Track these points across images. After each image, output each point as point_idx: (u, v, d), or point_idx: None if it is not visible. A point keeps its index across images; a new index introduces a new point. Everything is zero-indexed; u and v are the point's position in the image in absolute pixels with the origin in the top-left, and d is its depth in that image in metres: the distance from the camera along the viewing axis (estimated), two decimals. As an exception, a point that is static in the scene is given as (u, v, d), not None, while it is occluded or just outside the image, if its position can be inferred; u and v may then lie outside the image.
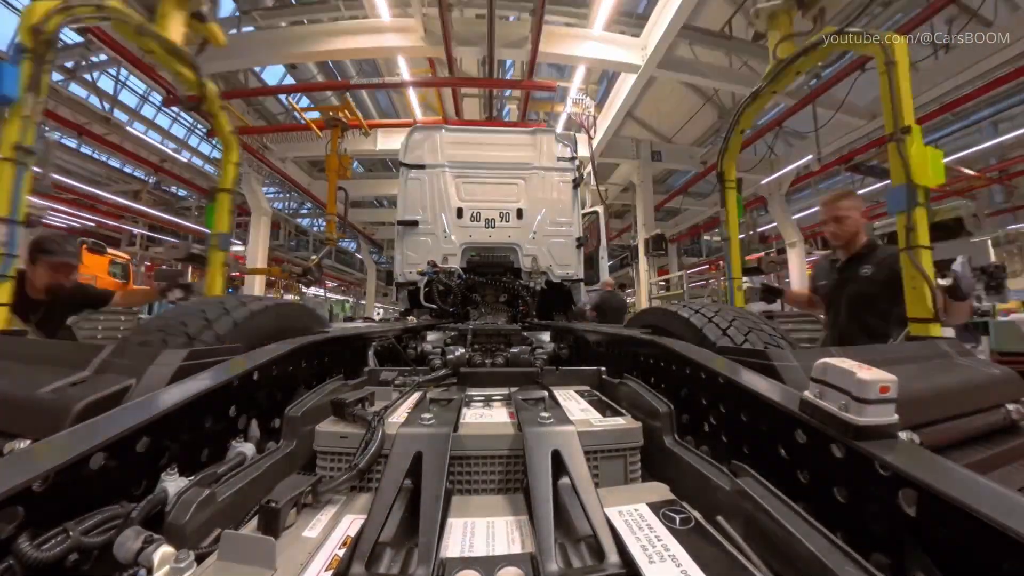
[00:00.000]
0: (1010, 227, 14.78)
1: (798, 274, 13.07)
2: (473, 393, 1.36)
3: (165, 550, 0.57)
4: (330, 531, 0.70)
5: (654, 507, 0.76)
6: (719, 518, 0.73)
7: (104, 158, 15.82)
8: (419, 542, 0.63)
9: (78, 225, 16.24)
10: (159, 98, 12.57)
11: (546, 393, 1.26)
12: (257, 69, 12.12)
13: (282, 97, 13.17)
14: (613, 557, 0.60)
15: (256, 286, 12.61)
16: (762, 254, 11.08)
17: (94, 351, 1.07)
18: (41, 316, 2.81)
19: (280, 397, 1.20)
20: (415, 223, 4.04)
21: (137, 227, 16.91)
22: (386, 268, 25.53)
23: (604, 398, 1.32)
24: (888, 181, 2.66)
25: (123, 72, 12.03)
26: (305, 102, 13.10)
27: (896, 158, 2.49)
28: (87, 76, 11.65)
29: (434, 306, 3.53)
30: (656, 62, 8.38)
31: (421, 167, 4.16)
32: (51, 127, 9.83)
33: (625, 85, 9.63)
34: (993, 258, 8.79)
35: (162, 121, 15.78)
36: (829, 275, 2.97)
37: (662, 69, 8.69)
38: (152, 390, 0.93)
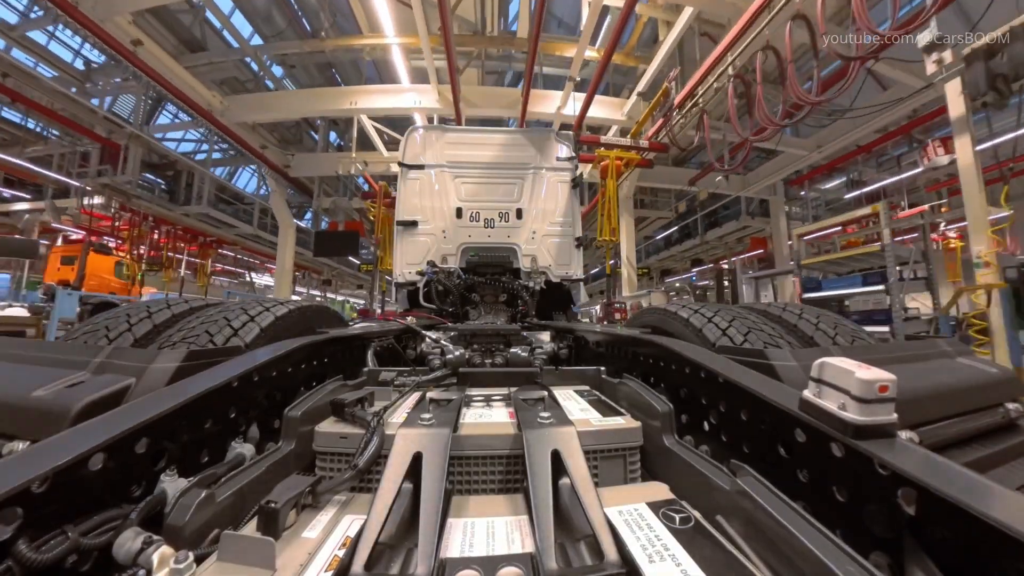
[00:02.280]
0: None
1: None
2: (473, 393, 1.36)
3: (164, 551, 0.57)
4: (330, 531, 0.70)
5: (654, 507, 0.76)
6: (719, 517, 0.73)
7: None
8: (419, 542, 0.62)
9: None
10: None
11: (546, 393, 1.26)
12: None
13: None
14: (613, 556, 0.60)
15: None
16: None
17: (93, 351, 1.07)
18: None
19: (280, 397, 1.20)
20: (414, 223, 4.04)
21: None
22: (317, 231, 15.39)
23: (604, 398, 1.32)
24: None
25: None
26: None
27: None
28: None
29: (433, 306, 3.53)
30: None
31: (420, 167, 4.16)
32: None
33: None
34: None
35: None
36: None
37: None
38: (151, 390, 0.93)
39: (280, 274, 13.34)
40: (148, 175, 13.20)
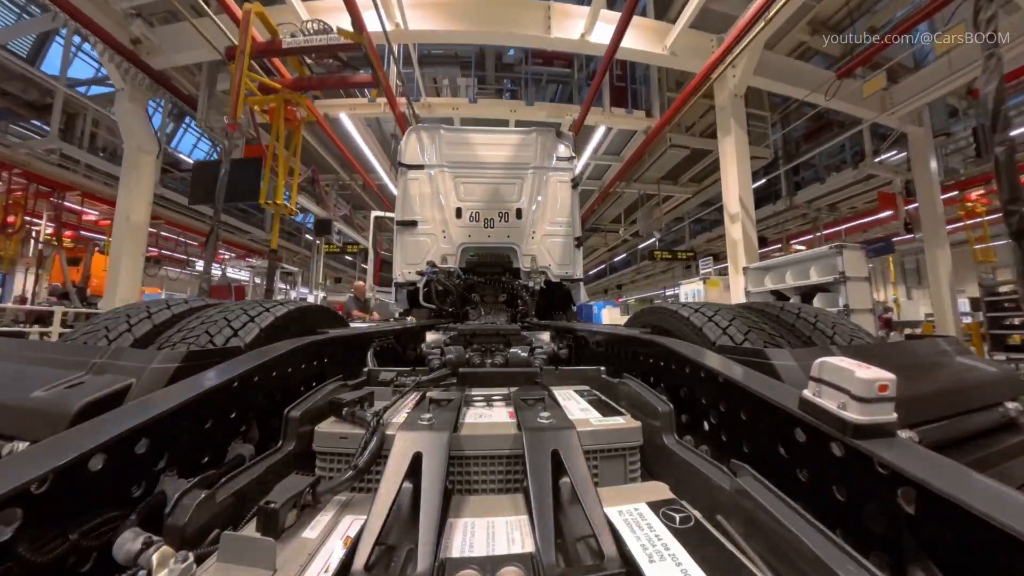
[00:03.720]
0: None
1: None
2: (473, 393, 1.36)
3: (164, 551, 0.57)
4: (330, 531, 0.70)
5: (654, 506, 0.76)
6: (719, 517, 0.73)
7: None
8: (419, 542, 0.62)
9: None
10: None
11: (546, 393, 1.26)
12: None
13: None
14: (613, 556, 0.60)
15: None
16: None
17: (93, 352, 1.07)
18: None
19: (280, 398, 1.20)
20: (414, 223, 4.04)
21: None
22: (196, 162, 9.74)
23: (604, 398, 1.32)
24: None
25: None
26: None
27: None
28: None
29: (433, 306, 3.53)
30: None
31: (420, 167, 4.16)
32: None
33: None
34: None
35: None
36: None
37: None
38: (151, 391, 0.93)
39: (120, 232, 7.02)
40: (34, 121, 8.94)
